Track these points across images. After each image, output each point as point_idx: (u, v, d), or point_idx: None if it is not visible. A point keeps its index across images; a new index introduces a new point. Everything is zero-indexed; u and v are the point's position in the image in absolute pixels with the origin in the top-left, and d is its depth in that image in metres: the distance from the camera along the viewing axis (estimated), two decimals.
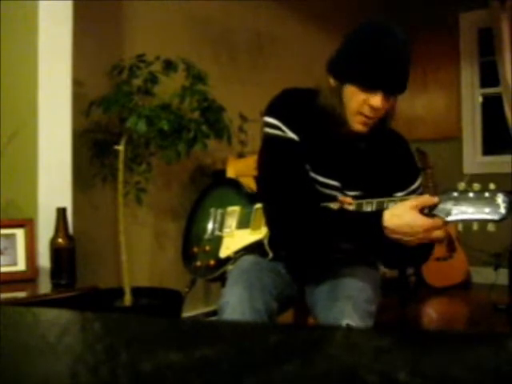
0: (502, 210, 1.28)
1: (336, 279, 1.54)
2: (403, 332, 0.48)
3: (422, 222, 1.31)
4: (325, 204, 1.50)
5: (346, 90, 1.45)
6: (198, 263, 1.81)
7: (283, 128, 1.49)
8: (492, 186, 1.31)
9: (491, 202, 1.29)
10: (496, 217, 1.28)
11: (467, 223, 1.32)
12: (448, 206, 1.33)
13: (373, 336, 0.51)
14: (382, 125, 1.51)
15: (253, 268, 1.57)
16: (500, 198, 1.29)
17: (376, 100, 1.41)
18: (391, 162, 1.57)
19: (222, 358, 0.43)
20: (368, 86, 1.41)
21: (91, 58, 2.58)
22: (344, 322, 1.40)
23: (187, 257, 1.88)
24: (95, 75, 2.55)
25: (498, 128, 4.31)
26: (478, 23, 4.48)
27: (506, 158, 4.11)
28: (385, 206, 1.39)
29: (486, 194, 1.30)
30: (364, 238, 1.41)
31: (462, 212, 1.32)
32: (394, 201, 1.39)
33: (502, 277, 3.83)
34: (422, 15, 4.60)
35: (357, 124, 1.46)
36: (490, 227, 1.30)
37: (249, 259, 1.62)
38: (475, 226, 1.32)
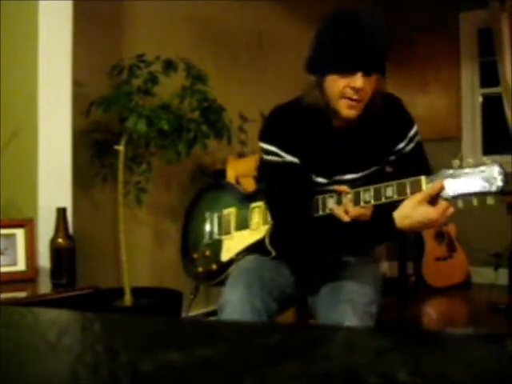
0: (499, 182, 1.29)
1: (337, 281, 1.55)
2: (403, 332, 0.48)
3: (431, 214, 1.33)
4: (323, 196, 1.52)
5: (326, 81, 1.47)
6: (200, 269, 1.81)
7: (280, 153, 1.52)
8: (486, 160, 1.32)
9: (487, 175, 1.31)
10: (494, 189, 1.30)
11: (467, 199, 1.33)
12: (446, 184, 1.34)
13: (373, 336, 0.51)
14: (370, 108, 1.51)
15: (254, 267, 1.57)
16: (496, 171, 1.30)
17: (357, 81, 1.42)
18: (383, 123, 1.56)
19: (222, 358, 0.43)
20: (346, 70, 1.43)
21: (91, 58, 2.58)
22: (345, 326, 1.40)
23: (187, 264, 1.88)
24: (95, 75, 2.55)
25: (498, 128, 4.31)
26: (478, 23, 4.48)
27: (506, 158, 4.11)
28: (382, 191, 1.40)
29: (482, 168, 1.31)
30: (381, 243, 1.46)
31: (460, 188, 1.33)
32: (391, 185, 1.40)
33: (502, 277, 3.83)
34: (421, 15, 4.59)
35: (344, 109, 1.47)
36: (490, 201, 1.31)
37: (250, 258, 1.62)
38: (475, 202, 1.33)
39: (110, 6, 2.75)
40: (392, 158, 1.59)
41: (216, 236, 1.82)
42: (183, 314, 2.64)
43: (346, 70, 1.43)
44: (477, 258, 4.20)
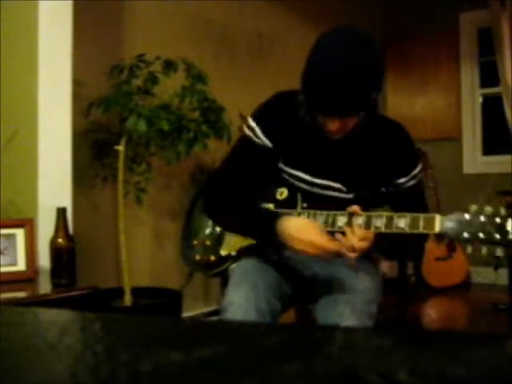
0: (511, 237, 1.31)
1: (336, 281, 1.55)
2: (403, 332, 0.48)
3: (316, 241, 1.37)
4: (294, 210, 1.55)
5: None
6: (197, 257, 1.78)
7: (258, 134, 1.57)
8: (503, 212, 1.33)
9: (501, 227, 1.32)
10: (504, 242, 1.31)
11: (477, 246, 1.35)
12: (459, 228, 1.35)
13: (373, 336, 0.51)
14: (363, 125, 1.50)
15: (257, 268, 1.57)
16: (510, 224, 1.31)
17: (332, 125, 1.44)
18: (386, 151, 1.56)
19: (222, 358, 0.43)
20: (322, 114, 1.44)
21: (91, 58, 2.58)
22: (343, 326, 1.40)
23: (186, 249, 1.85)
24: (95, 75, 2.55)
25: (498, 128, 4.31)
26: (478, 23, 4.48)
27: (506, 157, 4.11)
28: (394, 221, 1.41)
29: (497, 220, 1.32)
30: (261, 238, 1.55)
31: (472, 236, 1.34)
32: (404, 217, 1.40)
33: (501, 277, 3.83)
34: (421, 15, 4.60)
35: (329, 134, 1.49)
36: (499, 252, 1.32)
37: (252, 259, 1.62)
38: (484, 251, 1.34)
39: (109, 5, 2.75)
40: (390, 189, 1.59)
41: (218, 228, 1.81)
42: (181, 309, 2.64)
43: (322, 114, 1.44)
44: (477, 258, 4.20)
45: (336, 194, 1.56)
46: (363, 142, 1.55)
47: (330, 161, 1.57)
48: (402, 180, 1.57)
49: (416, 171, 1.59)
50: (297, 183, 1.59)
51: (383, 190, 1.59)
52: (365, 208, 1.49)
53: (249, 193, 1.60)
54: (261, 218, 1.52)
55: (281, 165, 1.61)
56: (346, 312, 1.44)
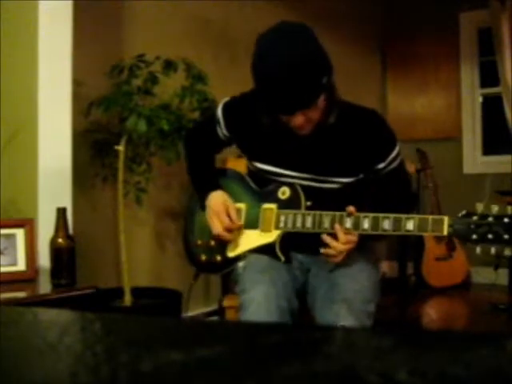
0: None
1: (333, 280, 1.55)
2: (403, 332, 0.48)
3: (219, 217, 1.60)
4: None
5: None
6: (203, 257, 1.76)
7: (222, 126, 1.68)
8: (510, 210, 1.33)
9: (510, 227, 1.32)
10: None
11: (486, 247, 1.36)
12: (468, 230, 1.36)
13: (373, 336, 0.51)
14: (330, 113, 1.50)
15: (272, 267, 1.57)
16: None
17: (295, 121, 1.44)
18: (358, 138, 1.55)
19: (222, 358, 0.43)
20: (283, 114, 1.45)
21: (91, 58, 2.58)
22: (339, 325, 1.40)
23: (190, 249, 1.82)
24: (95, 75, 2.55)
25: (498, 128, 4.31)
26: (478, 23, 4.48)
27: (506, 157, 4.11)
28: (402, 223, 1.42)
29: (505, 220, 1.33)
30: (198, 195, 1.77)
31: (481, 237, 1.35)
32: (412, 218, 1.41)
33: (501, 277, 3.83)
34: (421, 15, 4.60)
35: (297, 131, 1.50)
36: (508, 252, 1.33)
37: (264, 258, 1.61)
38: (493, 251, 1.35)
39: (110, 5, 2.75)
40: (372, 176, 1.59)
41: None
42: (183, 305, 2.64)
43: (283, 114, 1.45)
44: (477, 257, 4.20)
45: (317, 184, 1.57)
46: (334, 131, 1.54)
47: (302, 153, 1.57)
48: (381, 165, 1.56)
49: (393, 155, 1.57)
50: (273, 177, 1.61)
51: (362, 176, 1.58)
52: (355, 199, 1.51)
53: (211, 152, 1.82)
54: (204, 181, 1.75)
55: (254, 162, 1.64)
56: (342, 311, 1.44)
